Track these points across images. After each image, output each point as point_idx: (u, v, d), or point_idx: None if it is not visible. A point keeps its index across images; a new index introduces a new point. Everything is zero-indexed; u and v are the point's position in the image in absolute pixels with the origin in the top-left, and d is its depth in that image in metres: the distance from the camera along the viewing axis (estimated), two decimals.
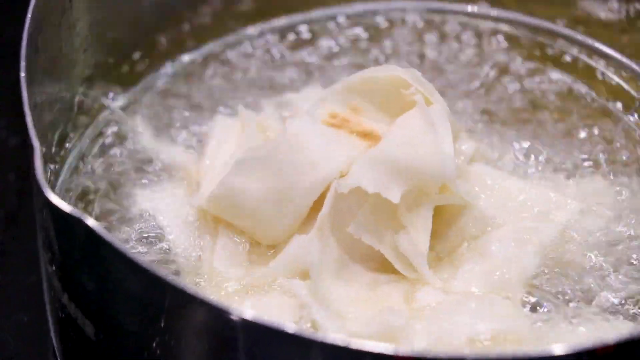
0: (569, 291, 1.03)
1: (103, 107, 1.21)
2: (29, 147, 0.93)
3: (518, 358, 0.84)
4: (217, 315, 0.86)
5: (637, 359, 0.86)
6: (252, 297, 1.02)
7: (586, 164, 1.16)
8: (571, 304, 1.02)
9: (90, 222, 0.87)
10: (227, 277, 1.04)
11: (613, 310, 1.02)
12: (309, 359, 0.86)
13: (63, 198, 1.07)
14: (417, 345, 0.96)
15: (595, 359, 0.85)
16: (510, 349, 0.96)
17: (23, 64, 1.00)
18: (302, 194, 1.04)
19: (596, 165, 1.16)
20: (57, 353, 1.06)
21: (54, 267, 0.96)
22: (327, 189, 1.04)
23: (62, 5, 1.10)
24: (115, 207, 1.12)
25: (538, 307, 1.02)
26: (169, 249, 1.08)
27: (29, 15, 1.03)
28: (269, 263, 1.04)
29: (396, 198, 0.99)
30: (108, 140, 1.19)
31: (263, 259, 1.05)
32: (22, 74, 0.99)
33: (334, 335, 0.85)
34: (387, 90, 1.07)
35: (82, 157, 1.17)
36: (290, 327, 0.85)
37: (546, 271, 1.04)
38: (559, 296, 1.03)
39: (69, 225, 0.89)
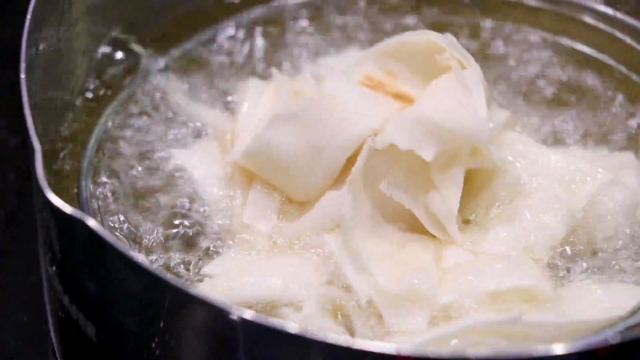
0: (595, 259, 1.05)
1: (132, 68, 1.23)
2: (30, 148, 0.93)
3: (521, 358, 0.85)
4: (218, 315, 0.86)
5: (637, 359, 0.86)
6: (280, 253, 1.04)
7: (617, 136, 1.17)
8: (596, 272, 1.04)
9: (91, 222, 0.87)
10: (256, 232, 1.06)
11: (638, 280, 1.03)
12: (309, 359, 0.86)
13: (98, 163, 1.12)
14: (442, 300, 0.98)
15: (596, 359, 0.85)
16: (531, 309, 0.98)
17: (23, 65, 1.00)
18: (336, 150, 1.06)
19: (628, 137, 1.17)
20: (57, 353, 1.06)
21: (54, 268, 0.96)
22: (361, 147, 1.05)
23: (61, 7, 1.10)
24: (150, 165, 1.13)
25: (563, 272, 1.03)
26: (201, 204, 1.09)
27: (28, 17, 1.03)
28: (300, 218, 1.05)
29: (429, 156, 1.01)
30: (139, 103, 1.20)
31: (294, 215, 1.07)
32: (22, 76, 0.99)
33: (334, 335, 0.85)
34: (422, 55, 1.09)
35: (113, 119, 1.18)
36: (290, 327, 0.84)
37: (574, 238, 1.06)
38: (585, 263, 1.04)
39: (70, 226, 0.89)
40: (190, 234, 1.07)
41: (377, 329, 0.98)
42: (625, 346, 0.85)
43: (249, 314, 0.84)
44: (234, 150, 1.11)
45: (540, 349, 0.89)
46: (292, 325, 0.84)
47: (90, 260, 0.91)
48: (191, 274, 1.04)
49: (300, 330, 0.84)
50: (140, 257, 1.01)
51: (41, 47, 1.06)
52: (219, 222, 1.08)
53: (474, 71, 1.06)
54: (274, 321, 0.84)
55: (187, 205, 1.09)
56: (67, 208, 0.88)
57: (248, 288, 1.01)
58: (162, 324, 0.90)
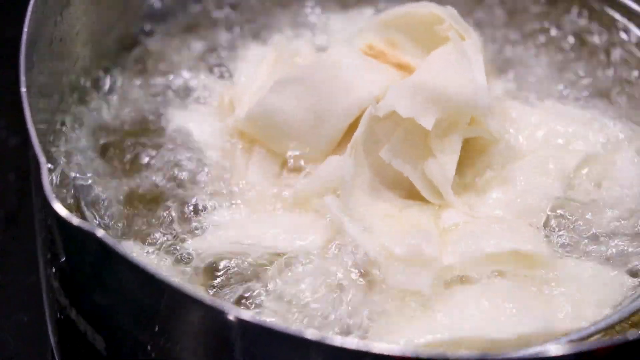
0: (587, 221, 1.07)
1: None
2: (34, 163, 0.92)
3: (523, 358, 0.85)
4: (234, 324, 0.85)
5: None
6: (284, 214, 1.06)
7: (609, 99, 1.20)
8: (587, 234, 1.06)
9: (100, 233, 0.86)
10: (259, 191, 1.07)
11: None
12: (307, 359, 0.86)
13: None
14: (444, 262, 0.99)
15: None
16: (526, 270, 1.00)
17: (23, 79, 0.99)
18: (338, 115, 1.08)
19: (620, 99, 1.19)
20: (56, 355, 1.06)
21: (56, 276, 0.96)
22: (362, 113, 1.06)
23: (54, 19, 1.10)
24: (152, 127, 1.15)
25: (557, 234, 1.05)
26: (203, 163, 1.11)
27: (25, 30, 1.02)
28: (302, 181, 1.07)
29: (429, 124, 1.03)
30: (144, 69, 1.21)
31: (296, 178, 1.08)
32: (23, 89, 0.98)
33: (334, 336, 0.85)
34: (423, 26, 1.11)
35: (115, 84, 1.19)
36: (289, 328, 0.84)
37: (567, 199, 1.08)
38: (579, 225, 1.07)
39: (78, 238, 0.88)
40: (193, 189, 1.09)
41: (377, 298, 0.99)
42: (624, 347, 0.85)
43: (248, 317, 0.84)
44: (235, 115, 1.12)
45: (541, 349, 0.90)
46: (290, 327, 0.84)
47: (100, 272, 0.90)
48: (195, 224, 1.06)
49: (297, 331, 0.84)
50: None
51: (37, 60, 1.05)
52: (220, 182, 1.09)
53: (473, 42, 1.08)
54: (274, 324, 0.84)
55: (189, 162, 1.11)
56: (74, 220, 0.87)
57: (250, 237, 1.02)
58: (176, 334, 0.89)
